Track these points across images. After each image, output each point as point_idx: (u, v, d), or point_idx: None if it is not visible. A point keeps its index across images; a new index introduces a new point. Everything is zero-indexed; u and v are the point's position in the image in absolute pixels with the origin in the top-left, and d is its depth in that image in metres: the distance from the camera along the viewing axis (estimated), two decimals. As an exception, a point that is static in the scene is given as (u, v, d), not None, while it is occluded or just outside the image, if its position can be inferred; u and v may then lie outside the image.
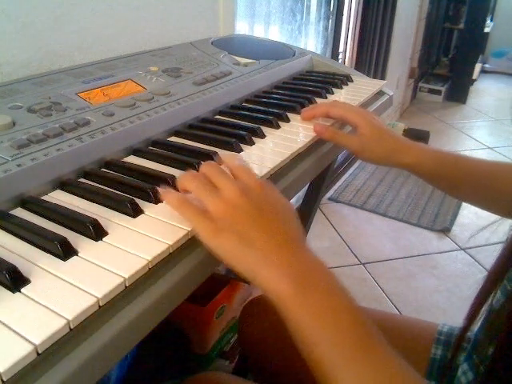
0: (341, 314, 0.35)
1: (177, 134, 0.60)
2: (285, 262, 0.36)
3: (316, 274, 0.37)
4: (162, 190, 0.42)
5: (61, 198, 0.44)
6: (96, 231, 0.37)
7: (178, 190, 0.42)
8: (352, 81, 0.90)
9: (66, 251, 0.35)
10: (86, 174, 0.48)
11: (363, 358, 0.33)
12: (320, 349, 0.34)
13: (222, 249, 0.37)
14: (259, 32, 1.53)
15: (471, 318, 0.46)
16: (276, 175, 0.52)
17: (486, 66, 4.80)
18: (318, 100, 0.77)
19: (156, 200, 0.43)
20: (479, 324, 0.50)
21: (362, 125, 0.60)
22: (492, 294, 0.48)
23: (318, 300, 0.35)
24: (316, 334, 0.34)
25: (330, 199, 2.14)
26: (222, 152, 0.54)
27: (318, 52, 1.92)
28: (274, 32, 1.63)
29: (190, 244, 0.39)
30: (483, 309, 0.47)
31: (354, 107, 0.65)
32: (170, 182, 0.46)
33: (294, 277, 0.35)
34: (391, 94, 0.90)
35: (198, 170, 0.49)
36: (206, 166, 0.42)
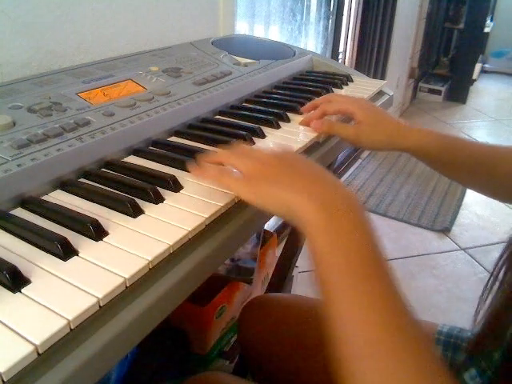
0: (363, 250, 0.35)
1: (177, 134, 0.60)
2: (314, 190, 0.38)
3: (344, 206, 0.37)
4: (197, 165, 0.45)
5: (61, 198, 0.44)
6: (96, 231, 0.37)
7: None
8: (352, 81, 0.90)
9: (66, 251, 0.35)
10: (86, 174, 0.48)
11: (380, 297, 0.32)
12: (336, 279, 0.34)
13: (257, 194, 0.40)
14: (259, 32, 1.53)
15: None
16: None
17: (486, 66, 4.80)
18: (318, 100, 0.77)
19: (156, 200, 0.43)
20: (482, 325, 0.50)
21: (358, 113, 0.61)
22: (493, 295, 0.48)
23: (345, 229, 0.35)
24: (336, 264, 0.34)
25: (329, 199, 2.14)
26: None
27: (318, 52, 1.92)
28: (274, 32, 1.63)
29: (191, 244, 0.39)
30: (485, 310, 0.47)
31: (349, 98, 0.65)
32: (170, 182, 0.46)
33: (322, 204, 0.36)
34: (391, 93, 0.90)
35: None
36: (236, 145, 0.46)
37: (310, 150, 0.60)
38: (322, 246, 0.35)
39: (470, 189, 0.65)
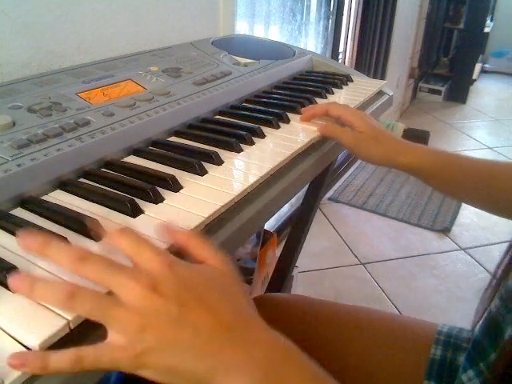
0: None
1: (177, 134, 0.60)
2: (240, 360, 0.28)
3: (285, 363, 0.30)
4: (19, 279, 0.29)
5: (61, 198, 0.44)
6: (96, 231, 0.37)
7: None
8: (352, 81, 0.90)
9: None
10: (86, 174, 0.48)
11: None
12: None
13: (156, 373, 0.28)
14: (259, 32, 1.52)
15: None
16: (276, 175, 0.52)
17: (486, 66, 4.80)
18: (318, 100, 0.77)
19: (156, 200, 0.43)
20: (480, 326, 0.50)
21: (359, 124, 0.61)
22: (491, 298, 0.48)
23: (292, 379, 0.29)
24: None
25: (330, 199, 2.14)
26: (221, 152, 0.54)
27: (318, 52, 1.92)
28: (274, 32, 1.63)
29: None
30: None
31: (351, 108, 0.66)
32: (170, 182, 0.46)
33: (259, 374, 0.28)
34: (391, 94, 0.90)
35: (198, 170, 0.49)
36: (85, 263, 0.29)
37: (309, 150, 0.60)
38: None
39: (469, 205, 0.65)
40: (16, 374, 0.26)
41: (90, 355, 0.27)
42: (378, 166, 0.64)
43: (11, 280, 0.29)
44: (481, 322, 0.50)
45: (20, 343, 0.27)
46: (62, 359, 0.27)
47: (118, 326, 0.28)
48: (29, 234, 0.30)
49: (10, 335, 0.28)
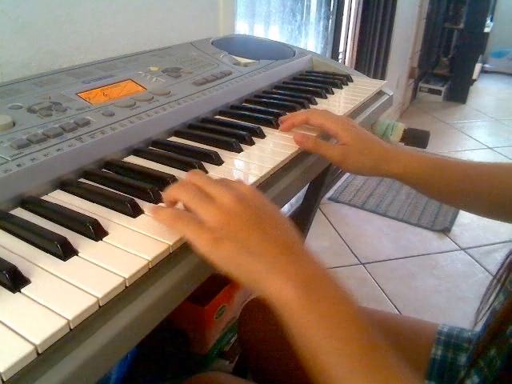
0: (349, 324, 0.34)
1: (177, 134, 0.60)
2: (289, 268, 0.35)
3: (322, 281, 0.36)
4: (151, 209, 0.40)
5: (61, 198, 0.44)
6: (96, 231, 0.37)
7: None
8: (352, 81, 0.90)
9: (65, 251, 0.35)
10: (86, 174, 0.48)
11: (371, 371, 0.32)
12: (325, 359, 0.33)
13: (223, 259, 0.35)
14: (259, 32, 1.52)
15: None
16: (276, 175, 0.52)
17: (486, 66, 4.81)
18: (318, 100, 0.77)
19: (156, 200, 0.43)
20: (482, 325, 0.50)
21: (343, 135, 0.57)
22: (495, 296, 0.48)
23: (325, 308, 0.34)
24: (322, 344, 0.33)
25: (330, 199, 2.14)
26: (221, 152, 0.54)
27: (318, 52, 1.92)
28: (274, 32, 1.63)
29: (191, 244, 0.39)
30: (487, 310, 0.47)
31: (333, 115, 0.61)
32: (170, 182, 0.46)
33: (300, 283, 0.34)
34: (391, 94, 0.90)
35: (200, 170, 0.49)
36: (193, 175, 0.40)
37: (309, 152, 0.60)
38: (303, 327, 0.34)
39: (468, 211, 0.62)
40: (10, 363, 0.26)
41: (184, 219, 0.37)
42: (366, 176, 0.62)
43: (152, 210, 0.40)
44: (483, 320, 0.50)
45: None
46: (166, 211, 0.38)
47: (207, 214, 0.36)
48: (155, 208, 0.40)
49: (15, 331, 0.28)
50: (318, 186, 1.08)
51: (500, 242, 1.84)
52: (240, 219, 0.36)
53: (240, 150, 0.56)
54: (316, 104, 0.76)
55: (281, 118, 0.64)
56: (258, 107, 0.72)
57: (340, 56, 2.08)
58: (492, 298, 0.48)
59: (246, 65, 0.82)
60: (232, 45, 0.94)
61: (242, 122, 0.64)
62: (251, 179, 0.48)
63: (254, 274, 0.35)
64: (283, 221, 0.39)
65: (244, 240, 0.35)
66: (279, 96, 0.77)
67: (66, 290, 0.32)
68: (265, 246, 0.36)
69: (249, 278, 0.35)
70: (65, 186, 0.46)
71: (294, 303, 0.34)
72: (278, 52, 0.94)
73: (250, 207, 0.37)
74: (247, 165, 0.53)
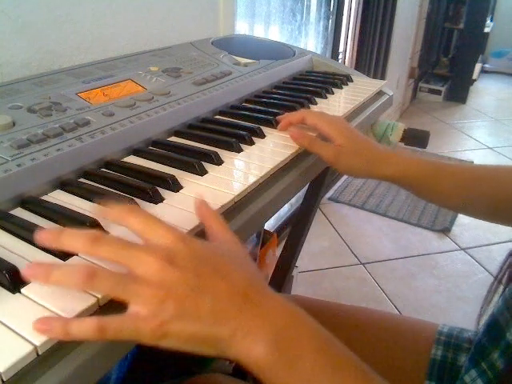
0: (332, 374, 0.30)
1: (177, 134, 0.60)
2: (255, 324, 0.30)
3: (295, 330, 0.31)
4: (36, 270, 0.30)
5: (61, 198, 0.44)
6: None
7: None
8: (352, 81, 0.90)
9: (65, 251, 0.35)
10: (86, 174, 0.48)
11: None
12: None
13: (177, 342, 0.29)
14: (259, 32, 1.52)
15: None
16: (276, 175, 0.52)
17: (486, 66, 4.81)
18: (318, 100, 0.77)
19: (156, 200, 0.43)
20: (483, 327, 0.50)
21: (336, 136, 0.57)
22: (495, 300, 0.48)
23: (302, 363, 0.30)
24: None
25: (329, 199, 2.14)
26: (221, 152, 0.54)
27: (318, 52, 1.92)
28: (274, 32, 1.63)
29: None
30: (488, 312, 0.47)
31: (327, 116, 0.60)
32: (170, 182, 0.46)
33: (269, 341, 0.30)
34: (391, 94, 0.90)
35: (198, 170, 0.49)
36: (100, 244, 0.30)
37: (307, 151, 0.60)
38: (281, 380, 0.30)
39: (468, 215, 0.62)
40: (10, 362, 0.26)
41: (112, 324, 0.28)
42: (360, 178, 0.61)
43: (26, 269, 0.29)
44: (484, 322, 0.50)
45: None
46: (85, 327, 0.28)
47: (138, 300, 0.29)
48: (42, 231, 0.32)
49: (15, 331, 0.28)
50: (317, 186, 1.08)
51: (500, 242, 1.84)
52: (180, 287, 0.29)
53: (240, 150, 0.56)
54: (316, 104, 0.76)
55: (278, 117, 0.64)
56: (258, 107, 0.72)
57: (340, 56, 2.08)
58: (494, 299, 0.48)
59: (246, 65, 0.82)
60: (232, 45, 0.94)
61: (242, 122, 0.64)
62: (251, 179, 0.48)
63: (218, 344, 0.30)
64: (231, 261, 0.33)
65: (193, 311, 0.29)
66: (279, 96, 0.77)
67: (65, 291, 0.31)
68: (220, 307, 0.30)
69: (214, 348, 0.30)
70: (65, 185, 0.46)
71: (267, 361, 0.30)
72: (277, 52, 0.94)
73: (185, 267, 0.30)
74: (247, 165, 0.53)
